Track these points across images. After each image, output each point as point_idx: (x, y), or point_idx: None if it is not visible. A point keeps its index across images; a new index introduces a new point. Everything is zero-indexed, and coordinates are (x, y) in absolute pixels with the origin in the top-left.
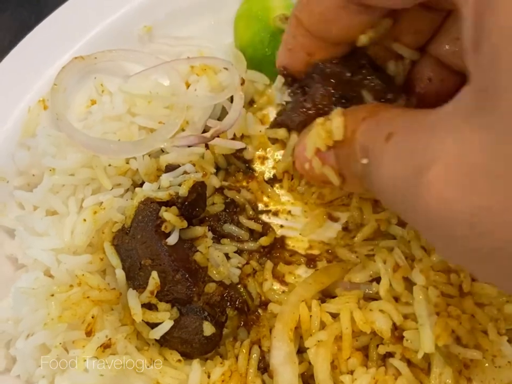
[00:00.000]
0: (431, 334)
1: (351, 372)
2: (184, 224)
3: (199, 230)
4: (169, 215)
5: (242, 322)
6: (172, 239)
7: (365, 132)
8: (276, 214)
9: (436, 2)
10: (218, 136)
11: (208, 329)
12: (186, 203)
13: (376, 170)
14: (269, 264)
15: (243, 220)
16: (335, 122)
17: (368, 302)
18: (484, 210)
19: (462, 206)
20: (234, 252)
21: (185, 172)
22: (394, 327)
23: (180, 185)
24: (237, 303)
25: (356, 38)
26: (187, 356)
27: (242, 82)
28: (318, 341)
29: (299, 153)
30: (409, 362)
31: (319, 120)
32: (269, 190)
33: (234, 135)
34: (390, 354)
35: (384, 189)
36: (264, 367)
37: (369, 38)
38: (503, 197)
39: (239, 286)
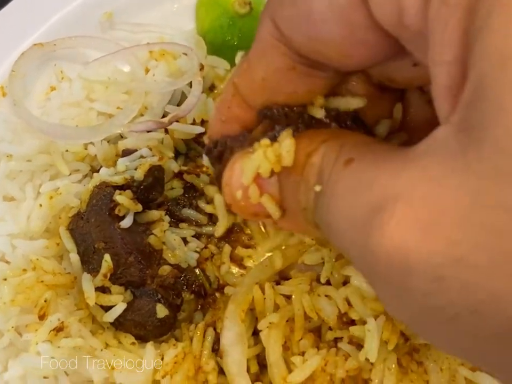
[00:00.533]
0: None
1: (303, 353)
2: (139, 207)
3: (155, 213)
4: (122, 198)
5: (199, 306)
6: (126, 222)
7: (324, 155)
8: None
9: (390, 79)
10: (177, 121)
11: (161, 311)
12: (142, 187)
13: (328, 200)
14: (227, 248)
15: (202, 204)
16: (284, 145)
17: (320, 285)
18: (457, 262)
19: (425, 254)
20: (193, 236)
21: (141, 156)
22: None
23: (136, 169)
24: (193, 286)
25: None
26: (142, 339)
27: (202, 68)
28: (270, 323)
29: (229, 179)
30: (359, 344)
31: (264, 141)
32: None
33: (194, 120)
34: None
35: (333, 224)
36: (219, 349)
37: (320, 107)
38: (488, 246)
39: (196, 269)
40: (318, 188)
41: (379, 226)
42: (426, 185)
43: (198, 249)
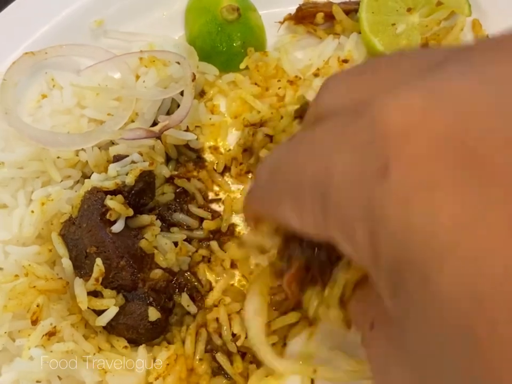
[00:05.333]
0: None
1: None
2: (130, 212)
3: (146, 218)
4: (114, 203)
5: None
6: (117, 227)
7: (355, 308)
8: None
9: None
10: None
11: (153, 314)
12: (133, 192)
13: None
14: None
15: (193, 208)
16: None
17: None
18: None
19: None
20: (185, 240)
21: (132, 162)
22: None
23: (127, 174)
24: (184, 289)
25: None
26: (134, 342)
27: (193, 78)
28: None
29: None
30: None
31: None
32: (219, 179)
33: (187, 127)
34: None
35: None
36: (211, 349)
37: None
38: None
39: (188, 273)
40: (359, 340)
41: None
42: None
43: (189, 253)
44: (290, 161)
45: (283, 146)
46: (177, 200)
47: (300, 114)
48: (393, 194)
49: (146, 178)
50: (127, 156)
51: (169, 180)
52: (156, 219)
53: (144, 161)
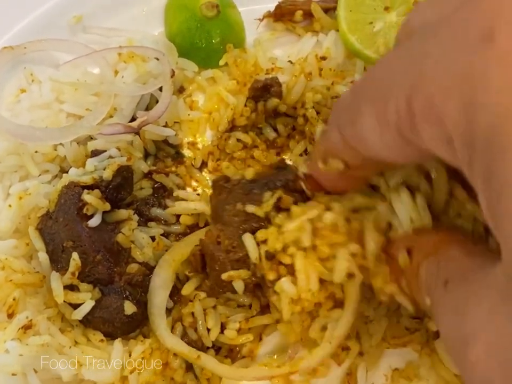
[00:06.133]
0: None
1: None
2: (107, 206)
3: (123, 213)
4: (91, 198)
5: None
6: (94, 221)
7: (427, 271)
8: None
9: None
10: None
11: (129, 308)
12: (110, 186)
13: (435, 314)
14: None
15: (170, 203)
16: (401, 256)
17: None
18: None
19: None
20: (162, 235)
21: (110, 157)
22: None
23: (105, 169)
24: None
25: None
26: (110, 336)
27: (172, 75)
28: None
29: None
30: None
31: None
32: (198, 174)
33: (166, 123)
34: None
35: (441, 334)
36: (188, 343)
37: None
38: None
39: None
40: (428, 301)
41: (470, 360)
42: (495, 328)
43: (166, 248)
44: (378, 74)
45: (369, 68)
46: (155, 195)
47: (253, 94)
48: (498, 58)
49: (124, 173)
50: (105, 151)
51: (148, 175)
52: (134, 214)
53: (122, 156)
